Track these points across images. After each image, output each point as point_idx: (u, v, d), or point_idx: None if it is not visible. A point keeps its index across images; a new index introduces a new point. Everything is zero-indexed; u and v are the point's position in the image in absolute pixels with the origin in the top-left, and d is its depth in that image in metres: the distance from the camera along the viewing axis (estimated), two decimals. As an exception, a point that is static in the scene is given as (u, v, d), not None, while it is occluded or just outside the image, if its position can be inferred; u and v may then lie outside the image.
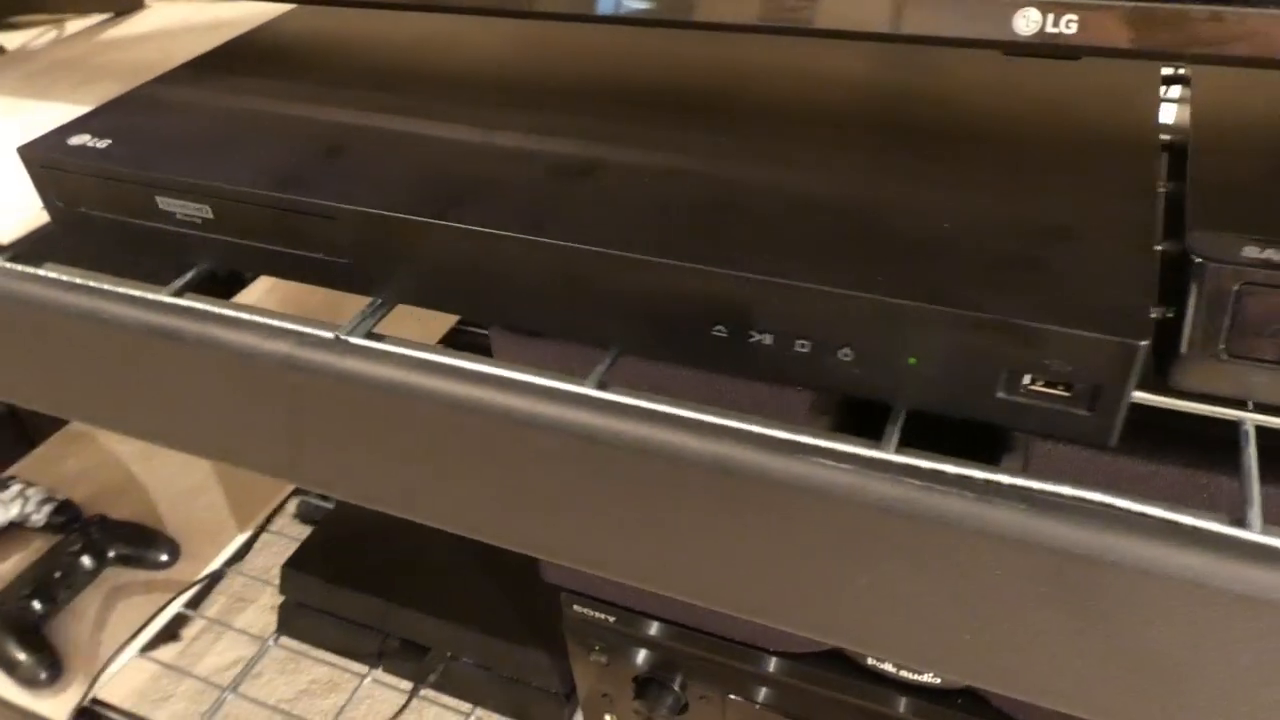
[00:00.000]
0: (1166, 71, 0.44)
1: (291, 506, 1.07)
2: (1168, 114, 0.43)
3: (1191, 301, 0.29)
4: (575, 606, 0.66)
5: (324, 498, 1.04)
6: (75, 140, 0.42)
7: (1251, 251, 0.29)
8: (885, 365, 0.31)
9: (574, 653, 0.69)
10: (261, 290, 1.01)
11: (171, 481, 1.02)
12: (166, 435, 0.43)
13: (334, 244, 0.38)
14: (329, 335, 0.38)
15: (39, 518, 0.93)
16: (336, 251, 0.38)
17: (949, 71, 0.42)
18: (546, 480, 0.35)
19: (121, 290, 0.41)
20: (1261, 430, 0.31)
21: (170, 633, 1.05)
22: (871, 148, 0.37)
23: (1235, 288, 0.29)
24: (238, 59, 0.50)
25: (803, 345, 0.31)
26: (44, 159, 0.42)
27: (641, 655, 0.67)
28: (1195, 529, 0.28)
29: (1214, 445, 0.35)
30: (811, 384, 0.32)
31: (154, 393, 0.42)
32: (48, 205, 0.44)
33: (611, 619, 0.66)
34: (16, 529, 0.94)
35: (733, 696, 0.65)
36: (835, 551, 0.31)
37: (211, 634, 1.04)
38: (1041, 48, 0.34)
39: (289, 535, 1.02)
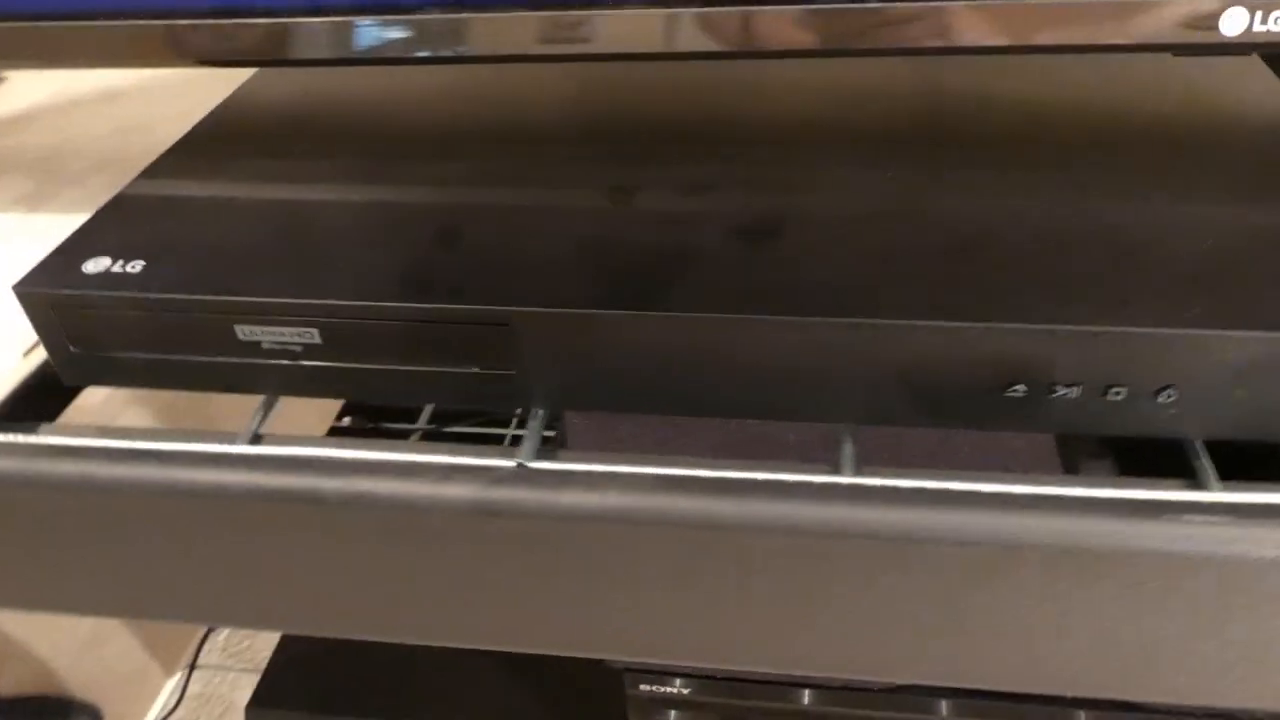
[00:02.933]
0: None
1: (224, 634, 0.93)
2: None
3: None
4: (642, 686, 0.61)
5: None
6: (93, 267, 0.33)
7: None
8: (1211, 401, 0.28)
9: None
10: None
11: (66, 634, 0.87)
12: (275, 619, 0.35)
13: (496, 355, 0.31)
14: (510, 465, 0.31)
15: (-89, 712, 0.76)
16: (499, 363, 0.31)
17: (1129, 81, 0.40)
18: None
19: (190, 448, 0.33)
20: None
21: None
22: (1077, 167, 0.35)
23: None
24: (242, 137, 0.41)
25: (1117, 393, 0.28)
26: (57, 298, 0.33)
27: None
28: None
29: None
30: (1120, 431, 0.29)
31: (241, 567, 0.34)
32: (55, 353, 0.34)
33: (687, 691, 0.61)
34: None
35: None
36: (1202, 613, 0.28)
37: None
38: (1242, 46, 0.33)
39: (229, 667, 0.89)
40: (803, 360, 0.30)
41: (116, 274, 0.33)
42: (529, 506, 0.30)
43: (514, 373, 0.32)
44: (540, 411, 0.33)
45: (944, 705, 0.55)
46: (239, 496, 0.32)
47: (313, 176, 0.38)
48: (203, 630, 0.88)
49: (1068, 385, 0.29)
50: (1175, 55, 0.36)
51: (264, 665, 0.81)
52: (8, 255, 0.41)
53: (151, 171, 0.39)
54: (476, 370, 0.32)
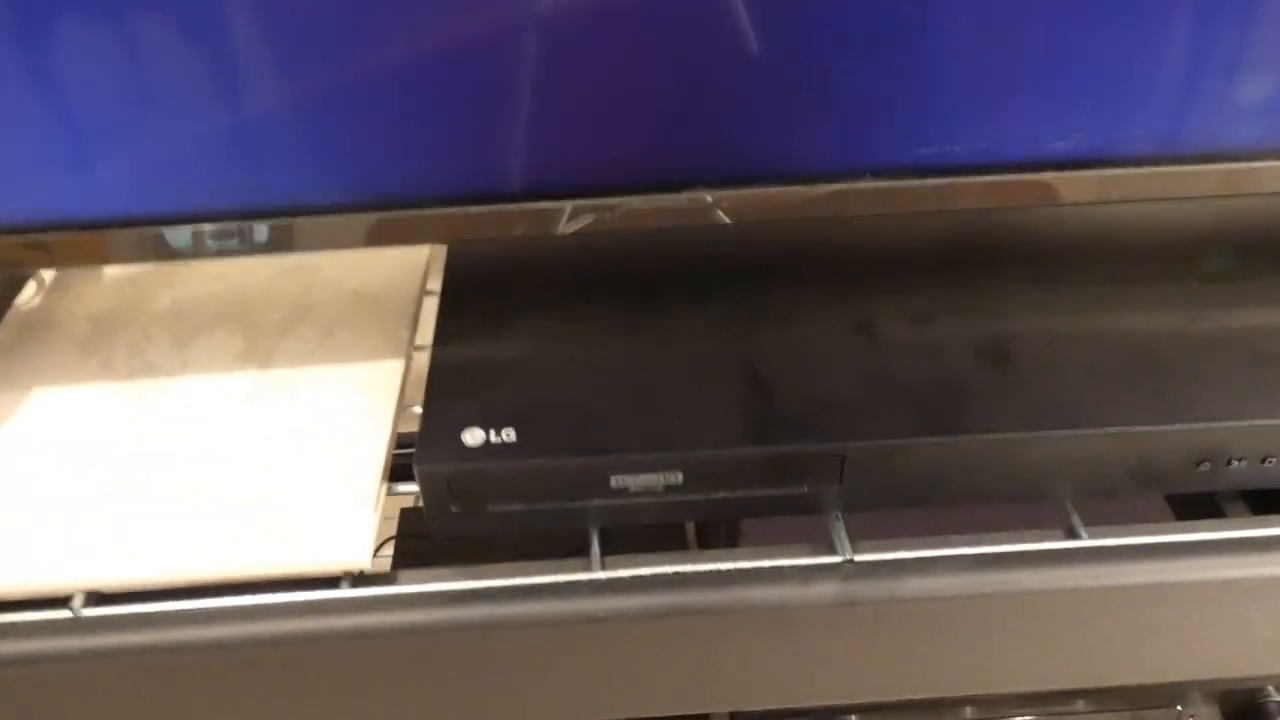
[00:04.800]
0: None
1: None
2: None
3: None
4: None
5: None
6: (471, 439, 0.39)
7: None
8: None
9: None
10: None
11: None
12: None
13: (825, 476, 0.40)
14: (835, 560, 0.40)
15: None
16: (826, 482, 0.40)
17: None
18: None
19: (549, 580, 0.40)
20: None
21: None
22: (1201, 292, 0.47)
23: None
24: (499, 297, 0.47)
25: (1271, 461, 0.41)
26: (454, 470, 0.39)
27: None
28: None
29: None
30: (1270, 485, 0.42)
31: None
32: (435, 512, 0.40)
33: None
34: None
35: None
36: None
37: None
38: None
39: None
40: (1054, 457, 0.40)
41: (497, 444, 0.39)
42: (879, 594, 0.39)
43: (836, 487, 0.41)
44: (841, 514, 0.42)
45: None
46: (589, 619, 0.39)
47: (594, 331, 0.45)
48: None
49: (1239, 459, 0.41)
50: None
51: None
52: (303, 415, 0.46)
53: (443, 338, 0.45)
54: (805, 490, 0.41)
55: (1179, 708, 0.74)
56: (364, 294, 0.55)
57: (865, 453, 0.39)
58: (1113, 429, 0.39)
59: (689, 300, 0.46)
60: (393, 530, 0.69)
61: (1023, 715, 0.74)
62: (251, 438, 0.45)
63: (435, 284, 0.52)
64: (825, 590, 0.39)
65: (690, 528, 0.68)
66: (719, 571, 0.40)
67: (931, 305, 0.46)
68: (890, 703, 0.71)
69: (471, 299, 0.47)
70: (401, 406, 0.47)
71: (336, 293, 0.55)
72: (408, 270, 0.56)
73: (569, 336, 0.45)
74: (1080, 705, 0.74)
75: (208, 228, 0.42)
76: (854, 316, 0.45)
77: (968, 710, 0.74)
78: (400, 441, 0.46)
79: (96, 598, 0.39)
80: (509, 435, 0.40)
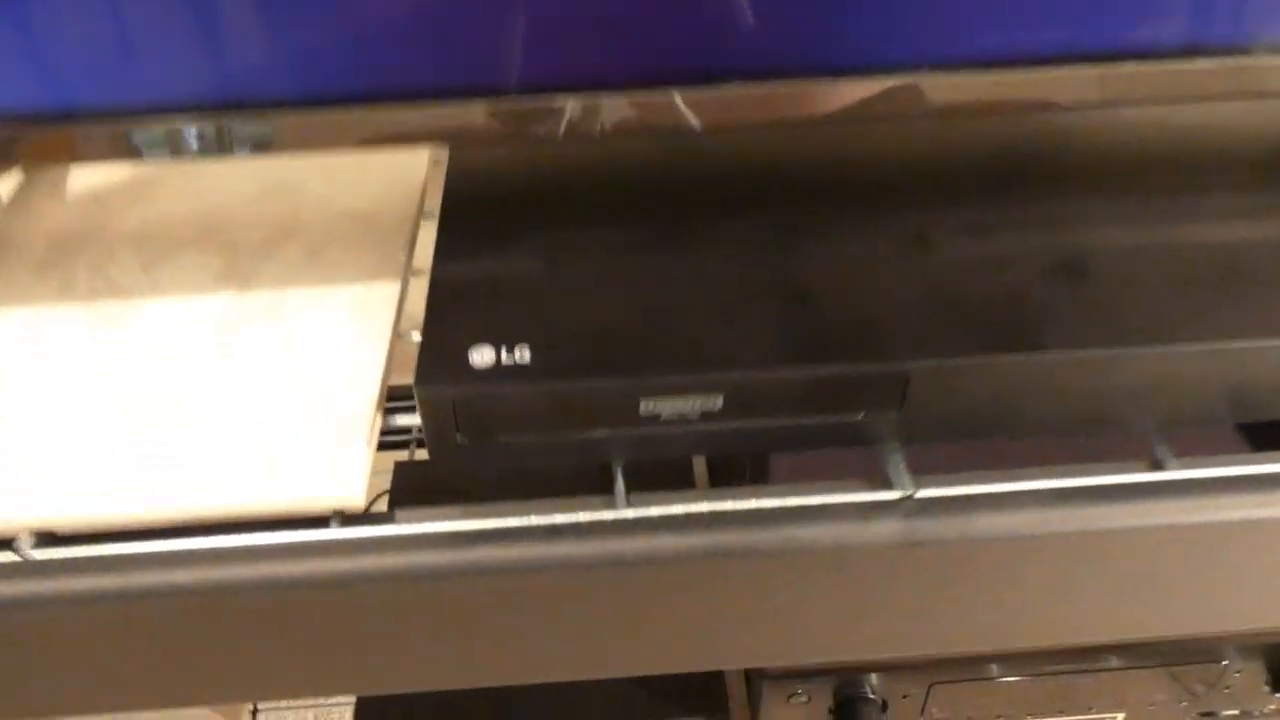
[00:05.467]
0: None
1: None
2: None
3: None
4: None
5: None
6: (480, 360, 0.34)
7: None
8: None
9: (774, 707, 0.69)
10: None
11: None
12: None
13: (885, 401, 0.35)
14: (895, 496, 0.35)
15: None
16: (886, 408, 0.35)
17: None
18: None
19: (563, 519, 0.35)
20: None
21: None
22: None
23: None
24: (507, 209, 0.42)
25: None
26: (460, 394, 0.34)
27: (833, 685, 0.69)
28: None
29: None
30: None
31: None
32: (439, 442, 0.35)
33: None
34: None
35: (937, 684, 0.69)
36: None
37: None
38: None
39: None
40: (1141, 377, 0.36)
41: (509, 365, 0.34)
42: (945, 533, 0.34)
43: (896, 414, 0.36)
44: (899, 446, 0.37)
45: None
46: (613, 562, 0.35)
47: (618, 244, 0.40)
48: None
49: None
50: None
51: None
52: (287, 340, 0.41)
53: (445, 252, 0.40)
54: (862, 416, 0.36)
55: (1224, 663, 0.70)
56: (356, 214, 0.49)
57: (931, 373, 0.34)
58: (1207, 344, 0.35)
59: (721, 209, 0.41)
60: (385, 485, 0.64)
61: (1054, 673, 0.70)
62: (228, 363, 0.40)
63: (434, 205, 0.47)
64: (883, 529, 0.34)
65: (702, 463, 0.63)
66: (760, 510, 0.35)
67: (995, 214, 0.41)
68: (913, 662, 0.68)
69: (477, 212, 0.42)
70: (398, 333, 0.42)
71: (325, 213, 0.50)
72: (404, 190, 0.51)
73: (589, 250, 0.39)
74: (1114, 661, 0.70)
75: (182, 124, 0.36)
76: (908, 227, 0.40)
77: (993, 667, 0.70)
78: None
79: (49, 539, 0.34)
80: (523, 355, 0.34)
